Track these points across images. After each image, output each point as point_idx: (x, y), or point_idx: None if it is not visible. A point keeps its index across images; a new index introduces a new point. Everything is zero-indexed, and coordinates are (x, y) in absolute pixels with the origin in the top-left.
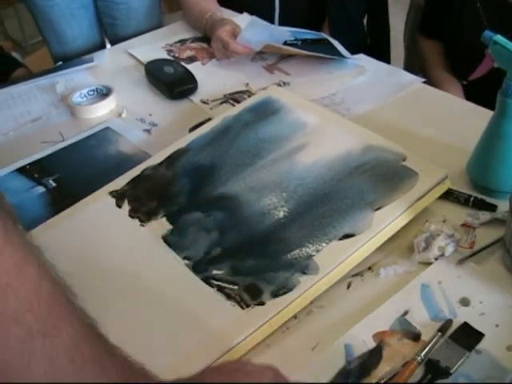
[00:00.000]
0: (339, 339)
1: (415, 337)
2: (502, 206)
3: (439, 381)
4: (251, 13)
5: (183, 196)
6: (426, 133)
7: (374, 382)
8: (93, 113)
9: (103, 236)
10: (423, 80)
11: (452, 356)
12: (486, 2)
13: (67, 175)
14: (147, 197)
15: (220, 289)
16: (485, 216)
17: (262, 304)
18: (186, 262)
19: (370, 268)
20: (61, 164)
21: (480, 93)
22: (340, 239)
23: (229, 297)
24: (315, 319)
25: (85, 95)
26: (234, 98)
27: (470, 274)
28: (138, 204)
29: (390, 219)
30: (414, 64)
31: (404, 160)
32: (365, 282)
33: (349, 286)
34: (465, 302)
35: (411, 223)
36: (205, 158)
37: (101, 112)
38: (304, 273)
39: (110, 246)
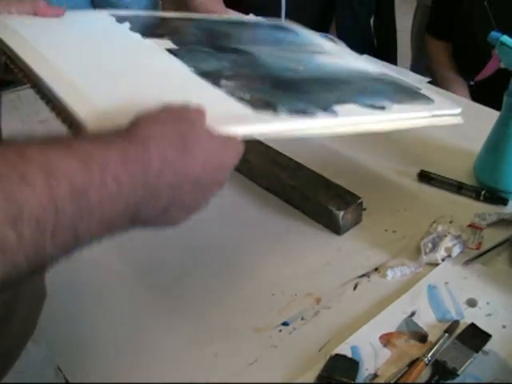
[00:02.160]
0: (346, 341)
1: (422, 338)
2: (510, 206)
3: (447, 382)
4: (257, 14)
5: (194, 36)
6: (432, 134)
7: (382, 382)
8: None
9: (98, 39)
10: (428, 80)
11: (459, 357)
12: (494, 2)
13: None
14: (153, 22)
15: (231, 92)
16: (492, 217)
17: (275, 110)
18: (193, 69)
19: (376, 269)
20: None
21: (486, 94)
22: (359, 105)
23: (240, 99)
24: (322, 320)
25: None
26: None
27: (477, 274)
28: (140, 23)
29: (408, 112)
30: (421, 64)
31: (419, 90)
32: (371, 284)
33: (355, 288)
34: (472, 303)
35: (418, 224)
36: (216, 26)
37: None
38: (325, 109)
39: (108, 50)
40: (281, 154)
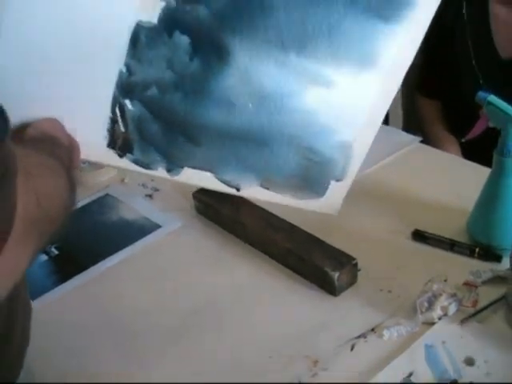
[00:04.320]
0: None
1: None
2: (505, 262)
3: None
4: None
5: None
6: (425, 192)
7: None
8: (94, 178)
9: None
10: (420, 139)
11: None
12: (481, 60)
13: (69, 242)
14: None
15: (113, 120)
16: (486, 274)
17: (121, 157)
18: (124, 70)
19: (373, 329)
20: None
21: (478, 151)
22: (215, 177)
23: (110, 131)
24: (320, 382)
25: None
26: None
27: (473, 333)
28: None
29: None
30: (412, 122)
31: (338, 181)
32: (368, 344)
33: (352, 348)
34: (470, 362)
35: (413, 283)
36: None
37: (103, 177)
38: (169, 170)
39: None
40: (275, 216)
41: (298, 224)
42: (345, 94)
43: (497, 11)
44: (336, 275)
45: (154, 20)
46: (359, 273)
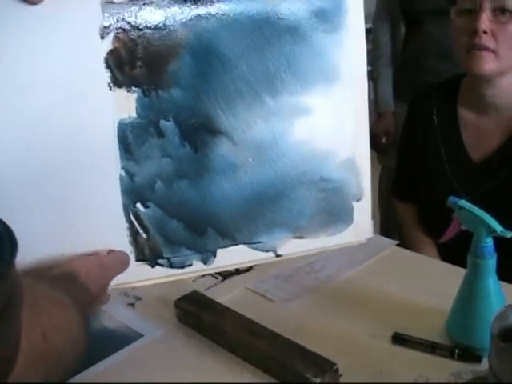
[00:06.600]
0: None
1: None
2: (485, 363)
3: None
4: None
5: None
6: (403, 294)
7: None
8: None
9: None
10: (397, 242)
11: None
12: (453, 164)
13: None
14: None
15: (132, 231)
16: (467, 375)
17: (158, 265)
18: (123, 173)
19: None
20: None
21: (455, 251)
22: (248, 246)
23: (133, 243)
24: None
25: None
26: None
27: None
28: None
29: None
30: (390, 224)
31: (358, 200)
32: None
33: None
34: None
35: None
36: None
37: None
38: (204, 262)
39: None
40: (256, 323)
41: (278, 330)
42: (325, 115)
43: (466, 116)
44: (317, 381)
45: (133, 114)
46: (341, 378)
